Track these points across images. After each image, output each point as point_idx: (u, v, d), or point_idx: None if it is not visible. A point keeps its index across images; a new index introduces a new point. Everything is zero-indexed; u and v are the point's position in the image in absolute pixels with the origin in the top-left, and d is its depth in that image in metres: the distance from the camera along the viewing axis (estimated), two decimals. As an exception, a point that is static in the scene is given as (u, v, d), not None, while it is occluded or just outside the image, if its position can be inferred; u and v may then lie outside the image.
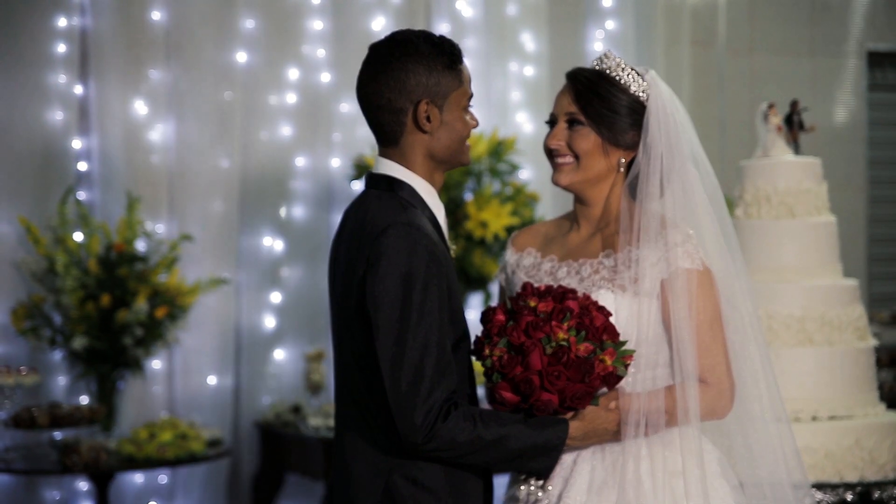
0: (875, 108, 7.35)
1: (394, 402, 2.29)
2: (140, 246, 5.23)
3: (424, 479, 2.37)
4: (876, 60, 7.33)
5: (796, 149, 4.47)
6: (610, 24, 6.53)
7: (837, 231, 4.41)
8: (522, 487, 2.53)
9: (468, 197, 5.48)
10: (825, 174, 4.45)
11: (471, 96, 2.47)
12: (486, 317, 2.45)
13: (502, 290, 2.74)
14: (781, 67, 7.05)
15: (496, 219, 5.37)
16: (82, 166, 5.52)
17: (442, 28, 6.02)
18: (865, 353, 4.25)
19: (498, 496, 2.66)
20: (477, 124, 2.50)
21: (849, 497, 4.00)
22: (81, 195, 5.44)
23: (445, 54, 2.43)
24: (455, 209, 5.39)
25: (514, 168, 5.55)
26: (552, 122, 2.61)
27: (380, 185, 2.45)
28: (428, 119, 2.42)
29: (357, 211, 2.45)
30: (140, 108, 5.60)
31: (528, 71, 6.30)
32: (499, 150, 5.50)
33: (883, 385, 4.92)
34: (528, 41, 6.31)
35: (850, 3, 7.20)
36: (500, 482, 2.88)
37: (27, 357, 5.25)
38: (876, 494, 4.04)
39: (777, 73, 7.00)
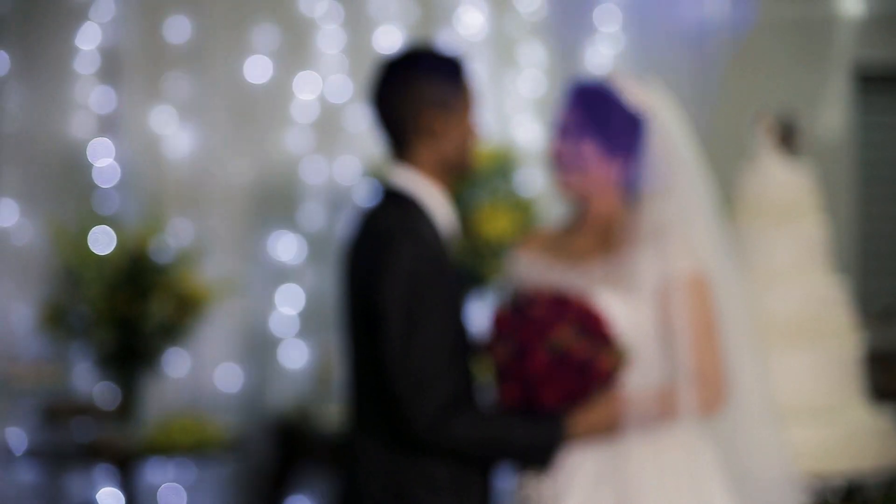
0: (867, 118, 7.34)
1: (400, 400, 2.32)
2: (160, 251, 5.25)
3: (429, 475, 2.38)
4: (868, 75, 7.32)
5: (789, 155, 4.46)
6: (612, 37, 6.53)
7: (830, 232, 4.41)
8: (524, 483, 2.54)
9: (472, 204, 5.48)
10: (818, 174, 4.44)
11: (475, 105, 2.51)
12: (490, 319, 2.46)
13: (506, 294, 2.74)
14: (777, 78, 7.04)
15: (499, 225, 5.37)
16: (105, 175, 5.53)
17: (449, 42, 6.03)
18: (855, 352, 4.26)
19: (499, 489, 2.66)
20: (481, 132, 2.54)
21: (839, 490, 4.00)
22: (104, 203, 5.46)
23: (451, 66, 2.48)
24: (459, 215, 5.39)
25: (515, 175, 5.56)
26: (555, 132, 2.62)
27: (389, 192, 2.48)
28: (435, 127, 2.44)
29: (368, 218, 2.49)
30: (161, 118, 5.61)
31: (532, 83, 6.31)
32: (502, 159, 5.51)
33: (876, 381, 4.91)
34: (532, 55, 6.32)
35: (844, 21, 7.19)
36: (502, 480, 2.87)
37: (52, 354, 5.27)
38: (864, 487, 4.04)
39: (773, 84, 6.99)
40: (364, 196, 5.77)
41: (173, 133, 5.64)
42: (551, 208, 6.00)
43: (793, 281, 4.27)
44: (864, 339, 4.34)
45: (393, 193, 2.48)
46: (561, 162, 2.59)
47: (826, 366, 4.18)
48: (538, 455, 2.40)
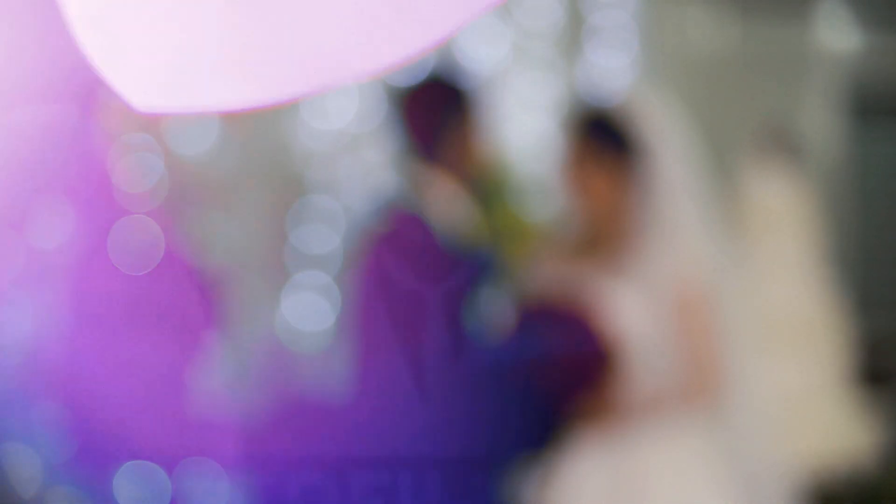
0: (865, 148, 7.36)
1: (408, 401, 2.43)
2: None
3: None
4: (864, 103, 7.33)
5: (785, 164, 4.50)
6: (623, 60, 6.55)
7: (829, 234, 4.45)
8: (533, 491, 2.60)
9: (488, 203, 5.50)
10: (816, 177, 4.49)
11: (484, 121, 2.63)
12: (506, 321, 2.54)
13: (514, 297, 2.80)
14: (777, 89, 7.07)
15: (505, 232, 5.40)
16: (132, 177, 5.58)
17: (462, 63, 6.05)
18: (849, 351, 4.31)
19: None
20: (489, 145, 2.65)
21: (833, 484, 4.04)
22: (135, 204, 5.52)
23: (463, 85, 2.61)
24: (478, 214, 5.42)
25: (523, 187, 5.60)
26: (564, 151, 2.70)
27: (404, 199, 2.60)
28: (445, 139, 2.56)
29: (384, 226, 2.61)
30: (185, 143, 5.67)
31: (540, 102, 6.33)
32: (509, 172, 5.54)
33: (873, 366, 4.94)
34: (540, 75, 6.33)
35: (841, 49, 7.22)
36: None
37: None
38: (857, 480, 4.08)
39: (772, 94, 7.03)
40: (379, 206, 5.78)
41: (199, 156, 5.69)
42: (559, 219, 6.03)
43: (790, 284, 4.32)
44: (861, 326, 4.38)
45: (408, 197, 2.59)
46: (570, 177, 2.67)
47: (821, 366, 4.22)
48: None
